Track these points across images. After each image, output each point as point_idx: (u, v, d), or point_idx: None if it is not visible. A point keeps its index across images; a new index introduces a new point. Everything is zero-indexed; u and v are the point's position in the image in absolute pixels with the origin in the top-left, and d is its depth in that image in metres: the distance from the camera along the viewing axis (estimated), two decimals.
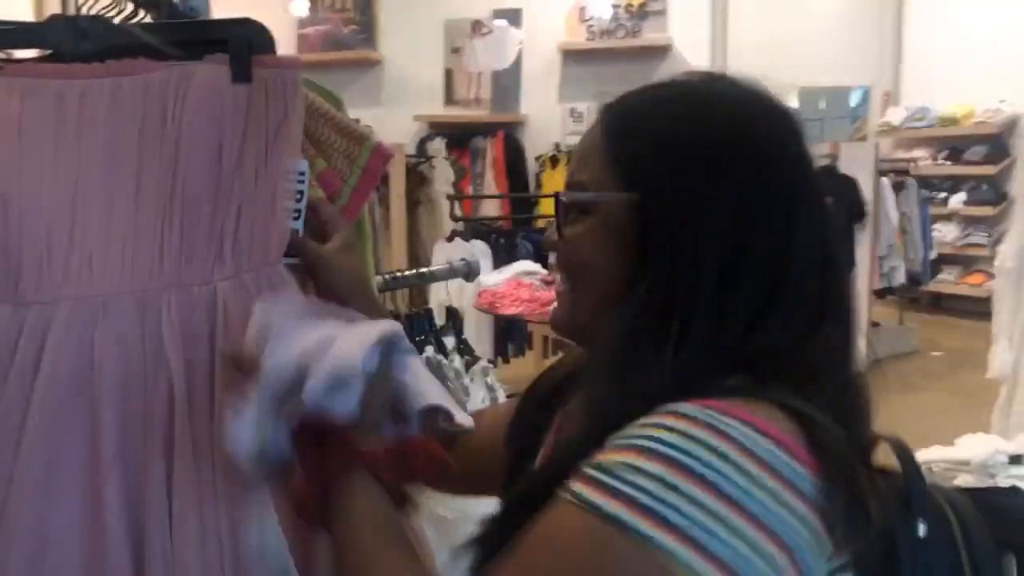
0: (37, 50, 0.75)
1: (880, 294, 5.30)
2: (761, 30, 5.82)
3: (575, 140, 6.82)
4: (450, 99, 6.29)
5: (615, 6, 5.96)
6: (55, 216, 0.70)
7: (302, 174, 0.77)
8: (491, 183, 6.03)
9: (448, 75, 6.29)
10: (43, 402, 0.66)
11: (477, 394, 1.40)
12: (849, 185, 4.81)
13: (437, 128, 6.18)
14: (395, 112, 6.21)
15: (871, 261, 4.94)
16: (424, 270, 1.28)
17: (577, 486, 0.53)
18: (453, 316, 1.54)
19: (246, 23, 0.74)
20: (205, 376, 0.69)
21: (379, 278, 1.52)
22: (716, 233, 0.60)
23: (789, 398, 0.56)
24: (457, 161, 5.95)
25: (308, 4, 6.32)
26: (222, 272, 0.72)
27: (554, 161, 5.95)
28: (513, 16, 6.18)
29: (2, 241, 0.69)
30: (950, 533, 0.61)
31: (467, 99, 6.23)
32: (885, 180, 5.13)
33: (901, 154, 6.36)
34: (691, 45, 5.85)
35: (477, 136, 6.07)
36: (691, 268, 0.60)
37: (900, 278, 5.20)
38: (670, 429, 0.52)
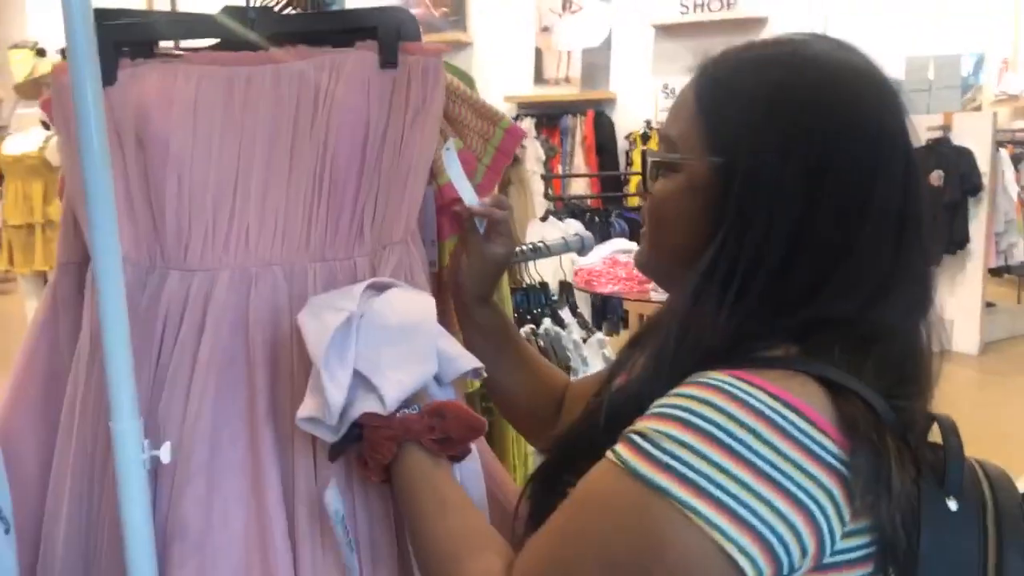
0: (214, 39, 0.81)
1: (996, 272, 5.02)
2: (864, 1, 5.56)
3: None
4: (540, 78, 6.28)
5: None
6: (220, 191, 0.76)
7: (448, 149, 0.80)
8: (581, 162, 6.01)
9: (538, 54, 6.29)
10: (208, 361, 0.72)
11: (595, 365, 1.42)
12: (962, 157, 4.57)
13: (527, 108, 6.19)
14: (485, 93, 6.16)
15: (987, 237, 4.68)
16: (540, 244, 1.29)
17: (623, 451, 0.57)
18: (567, 290, 1.56)
19: (396, 11, 0.77)
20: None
21: None
22: (791, 198, 0.62)
23: (830, 370, 0.59)
24: (547, 140, 5.95)
25: None
26: (361, 249, 0.76)
27: (645, 139, 5.87)
28: None
29: (177, 214, 0.75)
30: (981, 512, 0.62)
31: (556, 78, 6.21)
32: (1003, 152, 4.84)
33: (1022, 124, 5.99)
34: (788, 16, 5.65)
35: (567, 115, 6.04)
36: (762, 231, 0.62)
37: (1019, 256, 4.91)
38: (704, 402, 0.56)
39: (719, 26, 5.79)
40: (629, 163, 5.97)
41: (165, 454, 0.65)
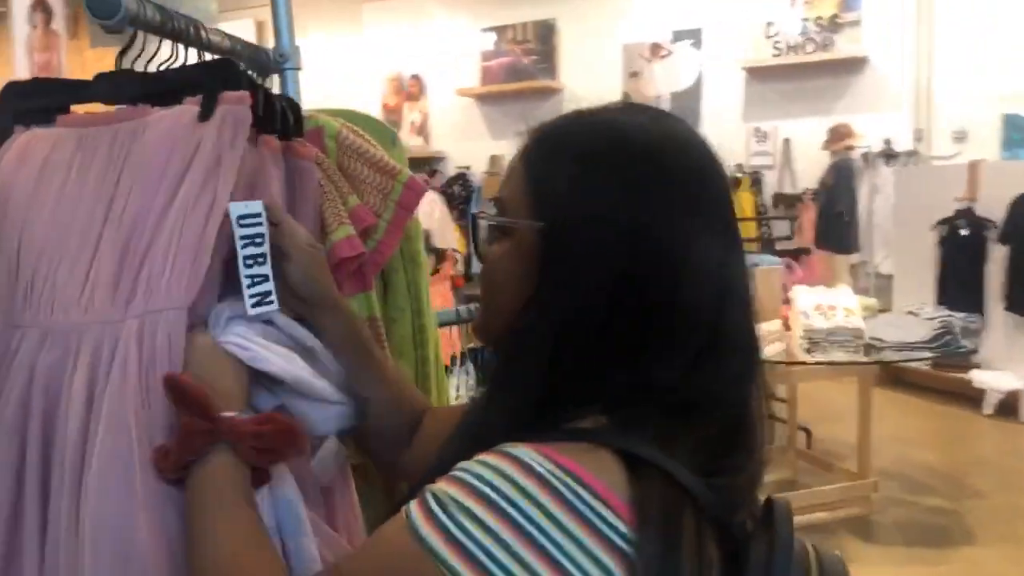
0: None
1: None
2: (971, 41, 5.22)
3: (759, 161, 6.47)
4: None
5: (804, 20, 5.64)
6: (43, 251, 0.77)
7: (257, 215, 0.75)
8: None
9: (626, 99, 6.26)
10: (10, 419, 0.73)
11: None
12: None
13: None
14: None
15: None
16: None
17: (413, 507, 0.58)
18: None
19: (222, 63, 0.78)
20: (99, 407, 0.70)
21: (462, 308, 1.53)
22: (604, 261, 0.62)
23: (633, 443, 0.58)
24: None
25: (493, 38, 6.59)
26: (134, 310, 0.73)
27: (735, 183, 5.70)
28: (694, 36, 6.05)
29: (9, 272, 0.77)
30: None
31: None
32: None
33: None
34: (889, 58, 5.39)
35: None
36: (576, 294, 0.62)
37: None
38: (496, 470, 0.57)
39: (814, 68, 5.59)
40: None
41: None
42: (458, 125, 6.76)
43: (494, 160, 6.47)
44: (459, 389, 1.56)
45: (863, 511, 3.17)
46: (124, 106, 0.82)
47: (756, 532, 0.63)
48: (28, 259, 0.76)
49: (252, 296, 0.76)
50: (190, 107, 0.77)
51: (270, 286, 0.77)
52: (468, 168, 6.38)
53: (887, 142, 5.30)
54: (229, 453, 0.68)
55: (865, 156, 5.24)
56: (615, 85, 6.28)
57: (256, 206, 0.74)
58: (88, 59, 7.10)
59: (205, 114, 0.76)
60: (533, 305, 0.64)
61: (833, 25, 5.56)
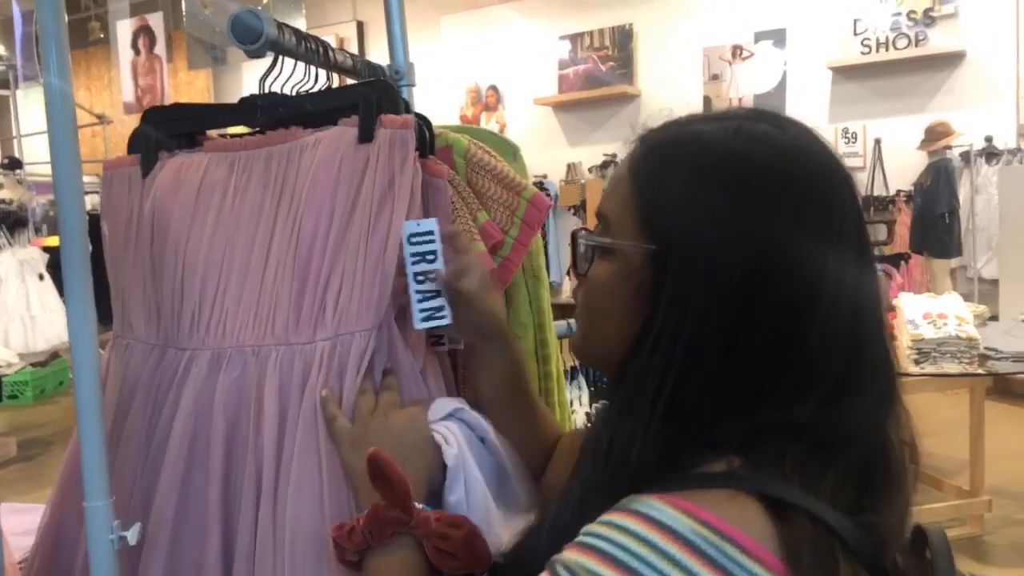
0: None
1: None
2: None
3: (848, 163, 6.35)
4: None
5: (895, 15, 5.42)
6: (207, 274, 0.78)
7: (430, 232, 0.75)
8: None
9: (706, 103, 6.14)
10: (180, 438, 0.75)
11: None
12: None
13: None
14: None
15: None
16: None
17: None
18: None
19: (376, 84, 0.78)
20: (292, 425, 0.72)
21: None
22: (727, 293, 0.56)
23: (777, 486, 0.53)
24: None
25: (569, 47, 6.57)
26: (323, 332, 0.74)
27: None
28: (777, 37, 5.88)
29: (172, 295, 0.79)
30: None
31: None
32: None
33: None
34: (990, 51, 5.13)
35: None
36: (695, 328, 0.56)
37: None
38: (627, 531, 0.52)
39: (906, 64, 5.36)
40: None
41: (132, 536, 0.68)
42: (535, 134, 6.75)
43: (571, 168, 6.43)
44: (572, 404, 1.53)
45: (976, 531, 3.00)
46: (274, 130, 0.83)
47: (908, 567, 0.59)
48: (192, 282, 0.78)
49: (422, 311, 0.76)
50: (346, 128, 0.78)
51: (443, 301, 0.77)
52: (545, 176, 6.37)
53: (988, 139, 5.04)
54: (413, 547, 0.68)
55: (965, 155, 4.99)
56: (695, 89, 6.16)
57: (429, 224, 0.74)
58: (181, 82, 7.45)
59: (365, 136, 0.76)
60: (645, 339, 0.58)
61: (927, 19, 5.33)
